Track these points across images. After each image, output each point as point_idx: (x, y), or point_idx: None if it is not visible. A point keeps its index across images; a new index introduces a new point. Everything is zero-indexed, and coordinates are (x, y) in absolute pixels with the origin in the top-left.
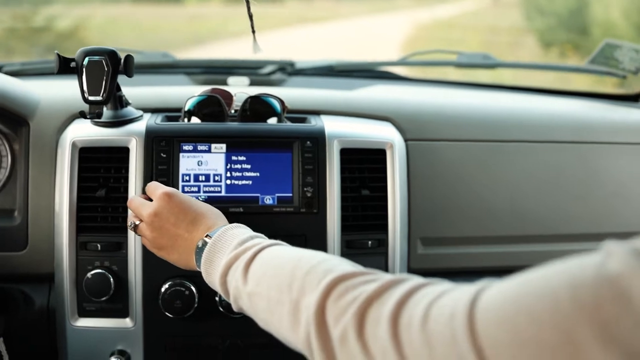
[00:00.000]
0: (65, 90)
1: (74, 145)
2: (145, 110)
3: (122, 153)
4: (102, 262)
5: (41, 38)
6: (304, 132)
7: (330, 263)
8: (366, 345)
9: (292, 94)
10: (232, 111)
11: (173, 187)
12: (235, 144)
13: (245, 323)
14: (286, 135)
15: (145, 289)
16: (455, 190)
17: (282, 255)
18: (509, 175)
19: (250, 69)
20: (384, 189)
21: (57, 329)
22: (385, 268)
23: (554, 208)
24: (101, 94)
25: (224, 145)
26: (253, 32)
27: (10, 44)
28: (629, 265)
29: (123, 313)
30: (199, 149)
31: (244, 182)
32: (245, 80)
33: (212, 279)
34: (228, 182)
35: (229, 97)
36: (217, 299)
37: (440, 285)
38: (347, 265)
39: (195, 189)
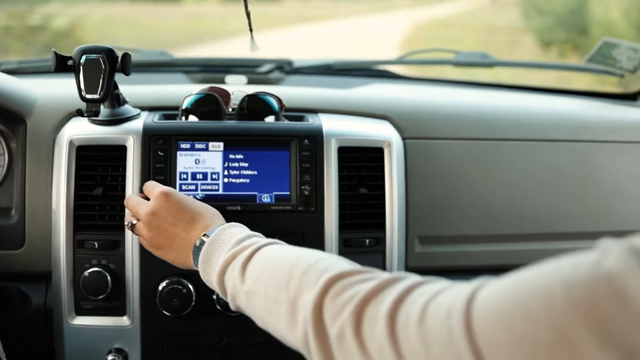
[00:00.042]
0: (63, 89)
1: (71, 143)
2: (143, 108)
3: (119, 151)
4: (99, 261)
5: (37, 37)
6: (302, 131)
7: (328, 262)
8: (363, 344)
9: (289, 92)
10: (230, 109)
11: (170, 185)
12: (233, 142)
13: (243, 322)
14: (284, 133)
15: (143, 287)
16: (453, 189)
17: (280, 254)
18: (506, 174)
19: (248, 68)
20: (382, 187)
21: (54, 327)
22: (382, 266)
23: (551, 206)
24: (98, 92)
25: (221, 144)
26: (250, 30)
27: (5, 43)
28: (625, 263)
29: (120, 311)
30: (196, 147)
31: (241, 180)
32: (243, 78)
33: (210, 278)
34: (225, 180)
35: (226, 95)
36: (214, 297)
37: (437, 284)
38: (344, 264)
39: (193, 187)
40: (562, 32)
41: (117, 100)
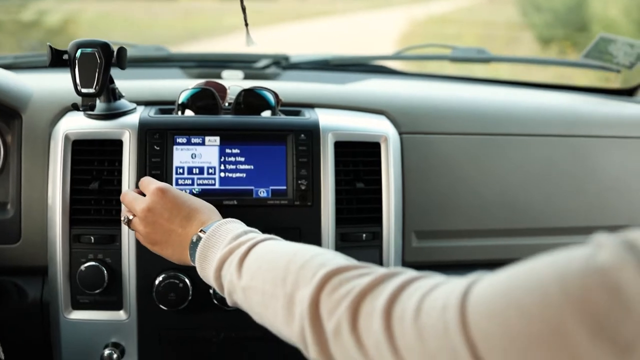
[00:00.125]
0: (58, 83)
1: (66, 137)
2: (139, 103)
3: (115, 146)
4: (95, 255)
5: (30, 33)
6: (298, 125)
7: (324, 257)
8: (360, 338)
9: (286, 87)
10: (226, 104)
11: (167, 179)
12: (229, 136)
13: (240, 316)
14: (280, 128)
15: (139, 281)
16: (449, 184)
17: (276, 249)
18: (502, 169)
19: (244, 63)
20: (379, 182)
21: (50, 321)
22: (379, 261)
23: (547, 201)
24: (94, 87)
25: (217, 138)
26: (246, 25)
27: None
28: (618, 257)
29: (117, 305)
30: (192, 141)
31: (238, 175)
32: (239, 74)
33: (207, 274)
34: (222, 174)
35: (222, 90)
36: (211, 291)
37: (433, 279)
38: (341, 259)
39: (189, 181)
40: (560, 29)
41: (112, 94)
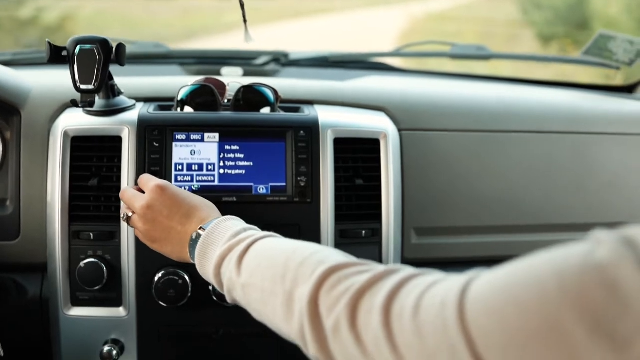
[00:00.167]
0: (57, 79)
1: (65, 134)
2: (138, 99)
3: (114, 142)
4: (95, 252)
5: (28, 31)
6: (298, 122)
7: (323, 254)
8: (359, 335)
9: (285, 84)
10: (225, 101)
11: (166, 176)
12: (229, 133)
13: (239, 312)
14: (279, 124)
15: (139, 278)
16: (449, 180)
17: (276, 246)
18: (502, 166)
19: (243, 60)
20: (378, 178)
21: (50, 318)
22: (379, 258)
23: (547, 198)
24: (93, 83)
25: (217, 135)
26: (245, 21)
27: None
28: (616, 253)
29: (116, 302)
30: (192, 138)
31: (237, 171)
32: (238, 70)
33: (206, 271)
34: (221, 171)
35: (222, 86)
36: (210, 288)
37: (432, 276)
38: (340, 256)
39: (189, 178)
40: (561, 26)
41: (112, 91)
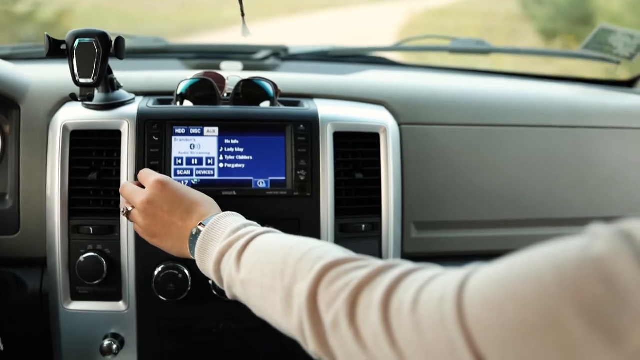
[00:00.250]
0: (56, 73)
1: (65, 128)
2: (137, 93)
3: (114, 136)
4: (94, 246)
5: (23, 27)
6: (297, 116)
7: (322, 250)
8: (358, 331)
9: (285, 78)
10: (225, 95)
11: (165, 170)
12: (228, 127)
13: (239, 307)
14: (279, 118)
15: (138, 272)
16: (449, 175)
17: (275, 242)
18: (502, 160)
19: (243, 54)
20: (378, 172)
21: (50, 312)
22: (379, 252)
23: (547, 192)
24: (92, 77)
25: (216, 129)
26: (242, 15)
27: None
28: (614, 246)
29: (116, 296)
30: (191, 132)
31: (236, 165)
32: (238, 65)
33: (206, 267)
34: (221, 165)
35: (221, 80)
36: (210, 282)
37: (430, 270)
38: (338, 252)
39: (188, 172)
40: (563, 22)
41: (111, 84)
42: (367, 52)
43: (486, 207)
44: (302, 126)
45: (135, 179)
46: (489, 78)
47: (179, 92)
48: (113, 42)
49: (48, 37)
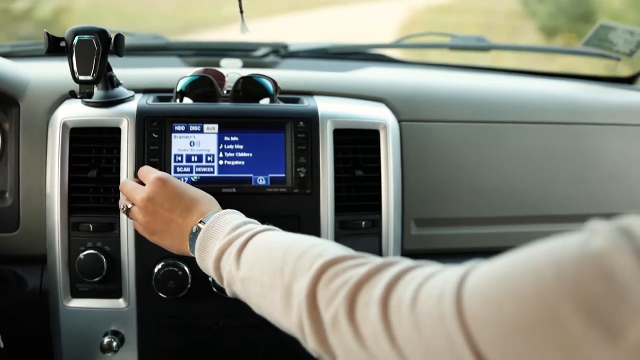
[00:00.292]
0: (56, 71)
1: (64, 125)
2: (137, 90)
3: (113, 133)
4: (94, 243)
5: (21, 25)
6: (297, 113)
7: (321, 247)
8: (357, 328)
9: (285, 75)
10: (224, 92)
11: (165, 167)
12: (228, 124)
13: (239, 304)
14: (279, 115)
15: (138, 269)
16: (448, 171)
17: (275, 240)
18: (502, 156)
19: (243, 52)
20: (378, 169)
21: (50, 310)
22: (379, 249)
23: (547, 189)
24: (91, 74)
25: (216, 126)
26: (241, 12)
27: None
28: (612, 242)
29: (116, 293)
30: (191, 129)
31: (236, 162)
32: (238, 62)
33: (206, 265)
34: (221, 162)
35: (221, 77)
36: (210, 279)
37: (429, 267)
38: (337, 249)
39: (188, 169)
40: (564, 20)
41: (110, 82)
42: (366, 49)
43: (486, 204)
44: (301, 123)
45: (135, 176)
46: (489, 75)
47: (178, 89)
48: (112, 39)
49: (47, 34)
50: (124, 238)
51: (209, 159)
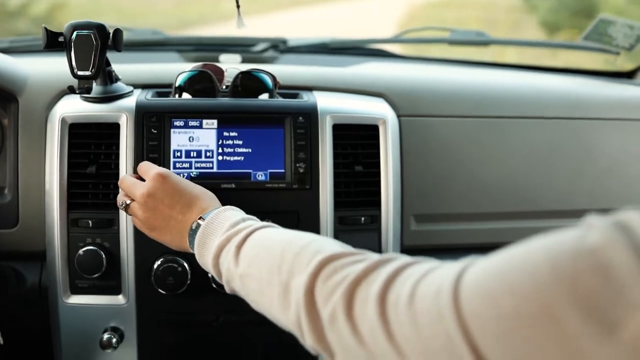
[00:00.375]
0: (54, 66)
1: (63, 121)
2: (136, 86)
3: (112, 129)
4: (93, 239)
5: (16, 22)
6: (296, 108)
7: (319, 244)
8: (355, 325)
9: (284, 70)
10: (224, 87)
11: (164, 163)
12: (227, 119)
13: (239, 300)
14: (278, 110)
15: (138, 265)
16: (448, 167)
17: (273, 237)
18: (502, 152)
19: (242, 47)
20: (377, 165)
21: (49, 306)
22: (378, 244)
23: (546, 184)
24: (90, 69)
25: (215, 121)
26: (238, 7)
27: None
28: (609, 237)
29: (116, 290)
30: (190, 124)
31: (235, 158)
32: (237, 57)
33: (205, 261)
34: (220, 158)
35: (220, 72)
36: (209, 275)
37: (427, 264)
38: (335, 246)
39: (187, 165)
40: (565, 14)
41: (109, 77)
42: (366, 44)
43: (486, 200)
44: (301, 118)
45: (134, 171)
46: (489, 70)
47: (177, 85)
48: (111, 35)
49: (46, 29)
50: (123, 234)
51: (208, 154)
